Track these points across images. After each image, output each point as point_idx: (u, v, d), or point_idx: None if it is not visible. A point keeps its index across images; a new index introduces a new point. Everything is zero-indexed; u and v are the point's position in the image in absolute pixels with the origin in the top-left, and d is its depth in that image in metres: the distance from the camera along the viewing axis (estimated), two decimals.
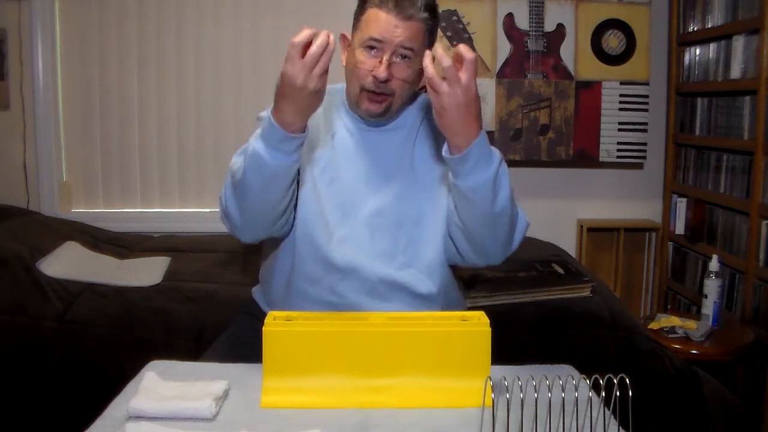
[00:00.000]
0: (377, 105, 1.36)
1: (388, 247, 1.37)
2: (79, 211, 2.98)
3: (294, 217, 1.38)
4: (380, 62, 1.32)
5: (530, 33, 2.89)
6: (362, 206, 1.38)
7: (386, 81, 1.32)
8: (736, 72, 2.47)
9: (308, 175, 1.39)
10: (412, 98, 1.46)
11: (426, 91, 1.36)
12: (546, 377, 0.96)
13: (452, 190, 1.32)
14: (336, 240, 1.36)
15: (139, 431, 0.96)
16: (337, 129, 1.43)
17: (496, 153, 1.28)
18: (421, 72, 1.36)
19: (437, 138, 1.41)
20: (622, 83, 2.93)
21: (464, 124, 1.23)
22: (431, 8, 1.35)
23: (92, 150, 2.97)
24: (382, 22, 1.31)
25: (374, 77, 1.32)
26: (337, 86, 1.47)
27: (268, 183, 1.26)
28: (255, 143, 1.24)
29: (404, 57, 1.33)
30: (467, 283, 1.88)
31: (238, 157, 1.36)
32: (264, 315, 1.17)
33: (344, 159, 1.41)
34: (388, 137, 1.43)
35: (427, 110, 1.45)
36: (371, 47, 1.33)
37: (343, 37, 1.41)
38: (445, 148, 1.26)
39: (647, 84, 2.94)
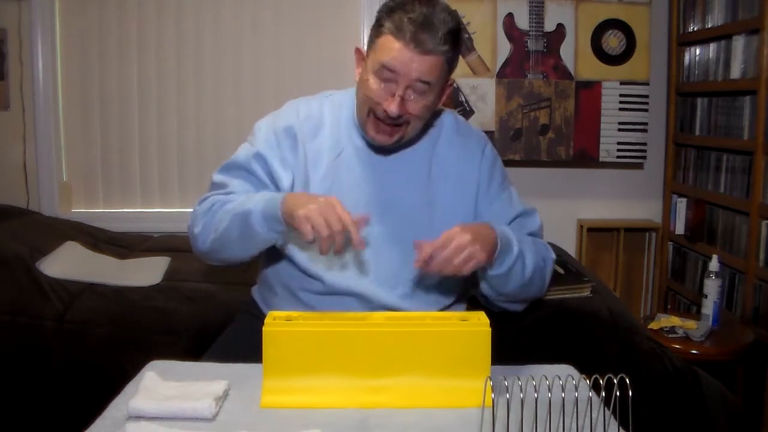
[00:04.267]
0: (386, 137, 1.29)
1: (392, 276, 1.35)
2: (79, 211, 2.98)
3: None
4: (392, 96, 1.23)
5: (530, 33, 2.89)
6: (368, 233, 1.34)
7: (399, 116, 1.25)
8: (736, 72, 2.47)
9: (311, 193, 1.34)
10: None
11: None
12: (546, 377, 0.96)
13: (486, 278, 1.32)
14: (338, 266, 1.34)
15: (139, 431, 0.96)
16: (344, 146, 1.36)
17: (508, 232, 1.29)
18: (438, 98, 1.30)
19: (456, 162, 1.39)
20: (622, 83, 2.93)
21: (484, 243, 1.21)
22: (453, 38, 1.24)
23: (92, 150, 2.97)
24: (396, 53, 1.21)
25: (385, 111, 1.25)
26: (346, 94, 1.41)
27: (245, 239, 1.29)
28: (252, 204, 1.25)
29: (420, 91, 1.24)
30: None
31: (221, 179, 1.40)
32: (264, 315, 1.17)
33: (349, 181, 1.35)
34: (401, 160, 1.37)
35: (443, 129, 1.41)
36: (385, 77, 1.24)
37: (357, 51, 1.33)
38: None
39: (647, 84, 2.94)
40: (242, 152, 1.40)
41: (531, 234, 1.45)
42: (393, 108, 1.23)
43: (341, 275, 1.33)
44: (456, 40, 1.25)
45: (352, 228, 1.14)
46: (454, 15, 1.25)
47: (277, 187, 1.37)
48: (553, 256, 1.46)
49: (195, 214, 1.39)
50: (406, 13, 1.21)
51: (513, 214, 1.42)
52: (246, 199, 1.29)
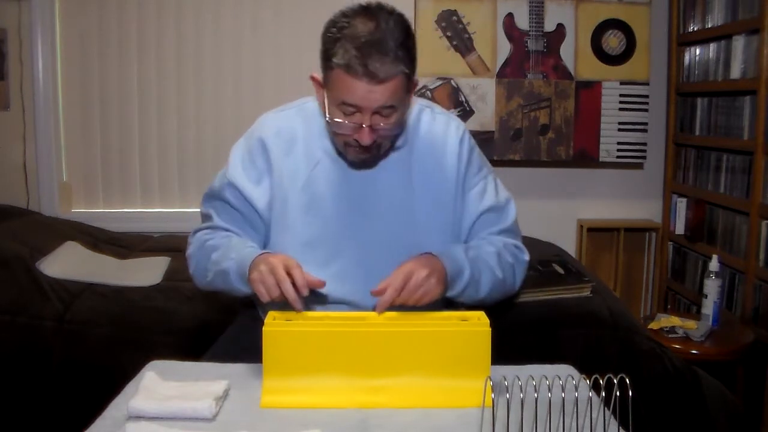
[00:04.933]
0: (367, 155, 1.29)
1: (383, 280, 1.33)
2: (79, 211, 2.98)
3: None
4: (361, 127, 1.21)
5: (530, 33, 2.89)
6: (353, 240, 1.34)
7: (372, 142, 1.24)
8: (736, 72, 2.47)
9: (291, 208, 1.34)
10: None
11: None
12: (546, 377, 0.96)
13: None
14: (327, 277, 1.31)
15: (139, 431, 0.96)
16: (320, 157, 1.35)
17: (459, 259, 1.28)
18: (407, 105, 1.29)
19: (435, 154, 1.38)
20: (622, 83, 2.93)
21: (439, 276, 1.22)
22: (406, 48, 1.19)
23: (92, 150, 2.97)
24: (353, 90, 1.17)
25: (357, 141, 1.24)
26: (313, 105, 1.39)
27: (232, 292, 1.33)
28: (228, 264, 1.27)
29: (387, 114, 1.22)
30: None
31: (206, 210, 1.43)
32: (261, 317, 1.17)
33: (329, 191, 1.34)
34: (379, 168, 1.35)
35: (419, 123, 1.39)
36: (348, 111, 1.21)
37: (313, 78, 1.30)
38: None
39: (647, 84, 2.94)
40: (217, 181, 1.43)
41: (503, 231, 1.42)
42: (365, 140, 1.22)
43: (331, 286, 1.31)
44: (410, 49, 1.20)
45: (288, 292, 1.15)
46: (399, 20, 1.20)
47: (254, 207, 1.37)
48: (526, 257, 1.44)
49: (189, 252, 1.43)
50: (352, 40, 1.16)
51: (482, 208, 1.40)
52: (224, 252, 1.31)
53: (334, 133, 1.29)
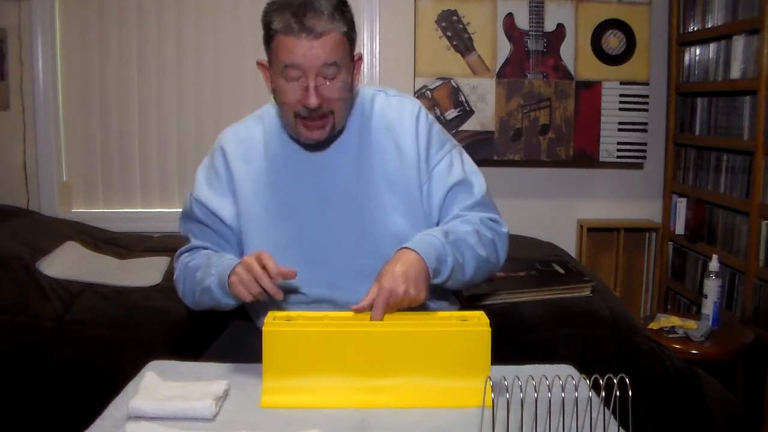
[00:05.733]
0: (319, 131, 1.28)
1: (361, 270, 1.30)
2: (79, 211, 2.98)
3: None
4: (306, 89, 1.22)
5: (530, 33, 2.89)
6: (323, 233, 1.33)
7: (319, 105, 1.24)
8: (736, 72, 2.47)
9: (260, 213, 1.34)
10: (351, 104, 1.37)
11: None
12: (546, 377, 0.96)
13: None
14: (314, 297, 1.32)
15: (139, 431, 0.96)
16: (280, 161, 1.36)
17: (440, 246, 1.26)
18: (351, 74, 1.29)
19: (393, 136, 1.37)
20: (622, 83, 2.93)
21: (418, 279, 1.20)
22: (342, 11, 1.23)
23: (92, 150, 2.97)
24: (293, 48, 1.20)
25: (305, 107, 1.24)
26: (267, 108, 1.41)
27: (221, 307, 1.33)
28: (210, 280, 1.28)
29: (331, 75, 1.23)
30: None
31: (184, 231, 1.46)
32: (252, 320, 1.16)
33: (296, 192, 1.34)
34: (338, 152, 1.35)
35: (374, 109, 1.39)
36: (293, 76, 1.23)
37: (259, 64, 1.32)
38: None
39: (647, 84, 2.94)
40: (187, 201, 1.45)
41: (475, 205, 1.39)
42: (312, 100, 1.23)
43: (315, 283, 1.32)
44: (344, 12, 1.24)
45: (267, 285, 1.16)
46: None
47: (221, 220, 1.38)
48: (504, 230, 1.41)
49: (175, 276, 1.46)
50: (288, 6, 1.21)
51: (450, 183, 1.38)
52: (204, 270, 1.32)
53: (281, 104, 1.28)
